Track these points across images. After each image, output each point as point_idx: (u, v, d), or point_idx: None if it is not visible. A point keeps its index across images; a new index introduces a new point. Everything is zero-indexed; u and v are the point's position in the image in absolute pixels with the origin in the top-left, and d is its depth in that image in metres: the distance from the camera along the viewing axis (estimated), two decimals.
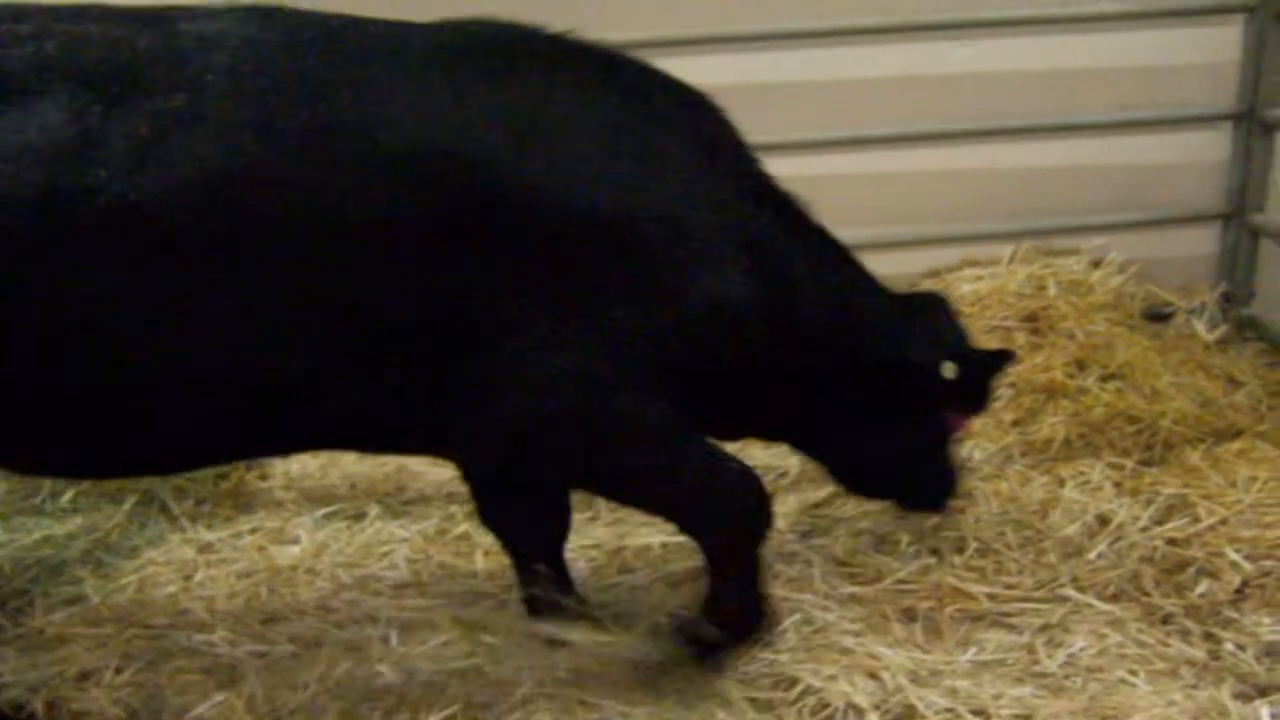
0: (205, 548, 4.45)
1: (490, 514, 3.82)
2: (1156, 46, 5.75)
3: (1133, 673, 3.59)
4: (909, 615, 3.89)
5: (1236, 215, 5.82)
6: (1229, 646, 3.67)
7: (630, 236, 3.15)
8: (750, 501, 3.49)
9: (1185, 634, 3.76)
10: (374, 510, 4.63)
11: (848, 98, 5.63)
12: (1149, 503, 4.32)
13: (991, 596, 3.95)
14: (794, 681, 3.56)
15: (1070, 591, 3.94)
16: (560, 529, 3.84)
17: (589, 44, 3.34)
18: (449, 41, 3.21)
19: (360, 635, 3.87)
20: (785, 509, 4.51)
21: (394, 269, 3.00)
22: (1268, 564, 3.95)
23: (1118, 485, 4.49)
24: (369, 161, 2.98)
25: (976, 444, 4.78)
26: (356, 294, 3.00)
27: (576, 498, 3.93)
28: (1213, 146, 5.83)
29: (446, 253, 3.02)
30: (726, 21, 5.47)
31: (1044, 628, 3.80)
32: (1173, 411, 4.85)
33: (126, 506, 4.67)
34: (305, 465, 4.90)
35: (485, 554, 4.30)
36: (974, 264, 5.77)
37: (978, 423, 4.44)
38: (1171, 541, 4.12)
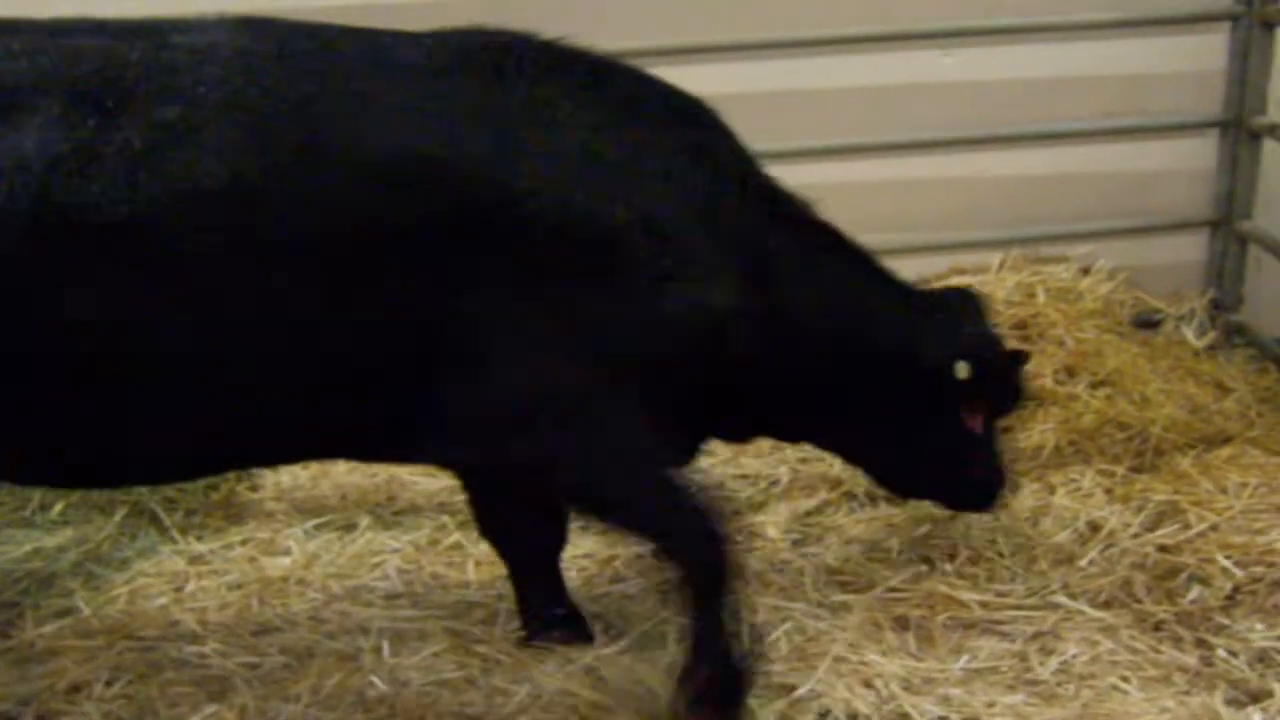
0: (196, 559, 4.43)
1: (488, 523, 3.82)
2: (1143, 54, 5.77)
3: (1125, 679, 3.60)
4: (901, 623, 3.89)
5: (1224, 222, 5.83)
6: (1221, 653, 3.68)
7: (611, 241, 3.15)
8: (707, 532, 3.33)
9: (1177, 640, 3.77)
10: (365, 521, 4.62)
11: (834, 107, 5.64)
12: (1140, 509, 4.33)
13: (983, 604, 3.95)
14: (790, 689, 3.56)
15: (1062, 598, 3.95)
16: (557, 539, 3.84)
17: (579, 50, 3.35)
18: (438, 49, 3.21)
19: (352, 646, 3.86)
20: (777, 517, 4.52)
21: (383, 276, 3.01)
22: (1258, 570, 3.96)
23: (1108, 492, 4.50)
24: (358, 171, 2.99)
25: None
26: (347, 302, 3.01)
27: None
28: (1200, 154, 5.85)
29: (432, 258, 3.02)
30: (709, 32, 5.48)
31: (1036, 635, 3.81)
32: (1163, 418, 4.86)
33: (117, 518, 4.65)
34: (296, 476, 4.89)
35: (477, 564, 4.29)
36: (962, 272, 5.76)
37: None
38: (1163, 548, 4.13)
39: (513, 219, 3.06)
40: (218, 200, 2.88)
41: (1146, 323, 5.77)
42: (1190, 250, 5.96)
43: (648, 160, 3.25)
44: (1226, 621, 3.80)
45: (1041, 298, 5.59)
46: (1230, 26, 5.63)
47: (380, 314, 3.03)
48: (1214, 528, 4.18)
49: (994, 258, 5.86)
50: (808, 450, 4.73)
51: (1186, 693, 3.55)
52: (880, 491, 4.41)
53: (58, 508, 4.73)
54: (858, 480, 4.58)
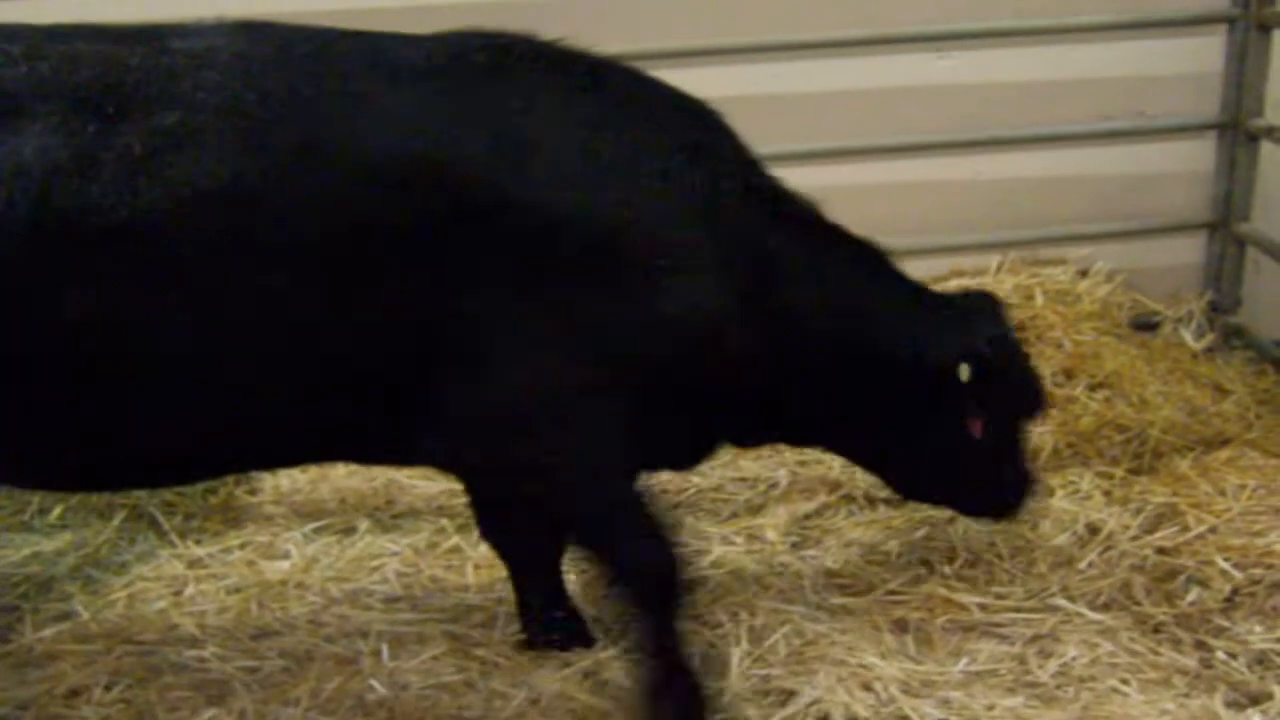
0: (195, 563, 4.43)
1: (489, 525, 3.82)
2: (1140, 57, 5.78)
3: (1124, 682, 3.60)
4: (900, 626, 3.89)
5: (1222, 224, 5.84)
6: (1220, 655, 3.68)
7: (605, 243, 3.14)
8: (662, 559, 3.31)
9: (1176, 643, 3.77)
10: (364, 524, 4.62)
11: (830, 110, 5.65)
12: (1138, 511, 4.33)
13: (983, 606, 3.95)
14: (789, 693, 3.56)
15: (1061, 601, 3.94)
16: (559, 543, 3.83)
17: (578, 51, 3.34)
18: (437, 51, 3.21)
19: (351, 650, 3.86)
20: (776, 520, 4.52)
21: (381, 277, 3.01)
22: (1257, 572, 3.96)
23: (1107, 494, 4.50)
24: (355, 173, 2.98)
25: None
26: (347, 303, 3.01)
27: None
28: (1198, 156, 5.86)
29: (431, 259, 3.02)
30: (705, 35, 5.48)
31: (1035, 638, 3.81)
32: (1161, 420, 4.86)
33: (115, 522, 4.65)
34: (294, 480, 4.89)
35: (476, 567, 4.29)
36: (961, 274, 5.78)
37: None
38: (1161, 550, 4.13)
39: (511, 219, 3.05)
40: (217, 204, 2.88)
41: (1145, 325, 5.78)
42: (1188, 252, 5.97)
43: (646, 160, 3.24)
44: (1226, 623, 3.80)
45: (1040, 300, 5.60)
46: (1227, 29, 5.63)
47: (379, 315, 3.03)
48: (1213, 530, 4.17)
49: (992, 260, 5.88)
50: (806, 453, 4.74)
51: (1186, 695, 3.55)
52: (880, 494, 4.42)
53: (56, 511, 4.74)
54: (856, 483, 4.59)
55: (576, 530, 3.41)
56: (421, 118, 3.07)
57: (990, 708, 3.50)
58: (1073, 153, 5.90)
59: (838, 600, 4.03)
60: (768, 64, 5.58)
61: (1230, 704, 3.50)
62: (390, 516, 4.69)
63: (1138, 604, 3.93)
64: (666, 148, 3.29)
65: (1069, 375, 5.14)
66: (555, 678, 3.67)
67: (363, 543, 4.51)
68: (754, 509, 4.63)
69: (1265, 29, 5.51)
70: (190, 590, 4.27)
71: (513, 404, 3.15)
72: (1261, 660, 3.66)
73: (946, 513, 4.23)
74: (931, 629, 3.85)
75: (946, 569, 4.14)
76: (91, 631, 4.04)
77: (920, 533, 4.34)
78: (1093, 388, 5.10)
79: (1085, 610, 3.90)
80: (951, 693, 3.56)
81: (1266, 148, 5.64)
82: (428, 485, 4.79)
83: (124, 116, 2.88)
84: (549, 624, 3.84)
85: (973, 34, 5.65)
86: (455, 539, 4.46)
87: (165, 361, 2.96)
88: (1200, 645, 3.75)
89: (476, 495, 3.79)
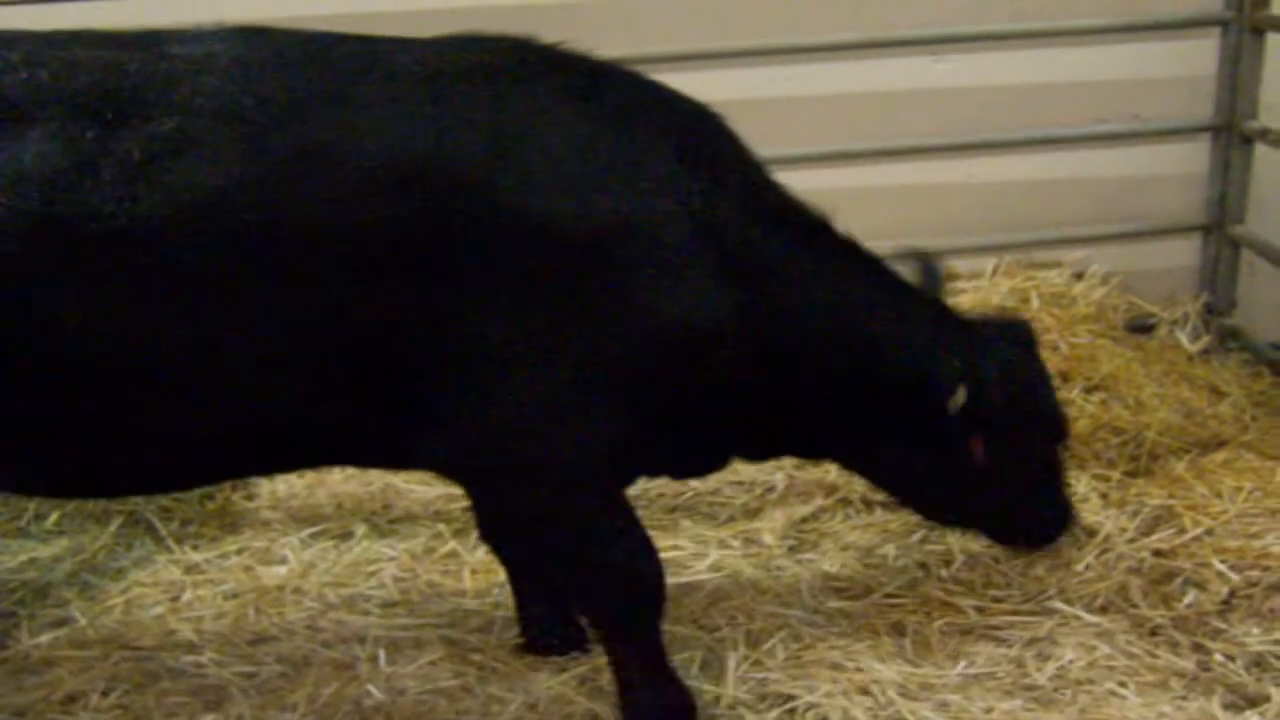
0: (192, 568, 4.42)
1: (488, 528, 3.80)
2: (1135, 60, 5.80)
3: (1122, 684, 3.60)
4: (898, 629, 3.89)
5: (1217, 227, 5.85)
6: (1218, 657, 3.69)
7: (601, 249, 3.13)
8: (649, 566, 3.34)
9: (1174, 645, 3.77)
10: (361, 529, 4.62)
11: (826, 113, 5.66)
12: (1135, 514, 4.32)
13: (980, 610, 3.95)
14: (787, 697, 3.56)
15: (1058, 604, 3.95)
16: None
17: (576, 55, 3.33)
18: (434, 55, 3.21)
19: (348, 655, 3.86)
20: (773, 524, 4.52)
21: (379, 282, 3.01)
22: (1254, 574, 3.96)
23: (1104, 497, 4.50)
24: (354, 178, 2.98)
25: None
26: (344, 310, 3.01)
27: None
28: (1192, 159, 5.87)
29: (427, 263, 3.02)
30: (702, 39, 5.47)
31: (1032, 640, 3.81)
32: (1157, 423, 4.87)
33: (112, 528, 4.65)
34: (291, 485, 4.89)
35: (473, 572, 4.29)
36: (956, 278, 5.78)
37: None
38: (1158, 553, 4.13)
39: (509, 223, 3.05)
40: (216, 209, 2.88)
41: (1140, 327, 5.79)
42: (1183, 255, 5.99)
43: (646, 164, 3.23)
44: (1223, 626, 3.80)
45: (1035, 303, 5.60)
46: (1221, 32, 5.64)
47: (378, 319, 3.03)
48: (1209, 532, 4.17)
49: (987, 263, 5.89)
50: None
51: (1183, 697, 3.56)
52: (876, 498, 4.42)
53: (53, 518, 4.74)
54: (853, 487, 4.59)
55: (566, 534, 3.38)
56: (420, 122, 3.07)
57: (988, 711, 3.50)
58: (1068, 155, 5.91)
59: (835, 604, 4.03)
60: (764, 68, 5.58)
61: (1228, 706, 3.51)
62: (387, 521, 4.69)
63: (1135, 606, 3.93)
64: (666, 152, 3.27)
65: (1065, 378, 5.13)
66: (552, 682, 3.68)
67: (360, 548, 4.51)
68: (751, 513, 4.63)
69: (1259, 32, 5.52)
70: (187, 596, 4.26)
71: (509, 407, 3.15)
72: (1259, 662, 3.66)
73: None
74: (929, 632, 3.85)
75: (944, 572, 4.15)
76: (89, 637, 4.03)
77: (917, 536, 4.34)
78: (1089, 390, 5.10)
79: (1082, 613, 3.90)
80: (949, 696, 3.56)
81: (1260, 150, 5.65)
82: (424, 490, 4.79)
83: (123, 122, 2.88)
84: (547, 629, 3.84)
85: (968, 37, 5.65)
86: (452, 544, 4.46)
87: (165, 367, 2.96)
88: (1197, 647, 3.75)
89: (474, 498, 3.78)
